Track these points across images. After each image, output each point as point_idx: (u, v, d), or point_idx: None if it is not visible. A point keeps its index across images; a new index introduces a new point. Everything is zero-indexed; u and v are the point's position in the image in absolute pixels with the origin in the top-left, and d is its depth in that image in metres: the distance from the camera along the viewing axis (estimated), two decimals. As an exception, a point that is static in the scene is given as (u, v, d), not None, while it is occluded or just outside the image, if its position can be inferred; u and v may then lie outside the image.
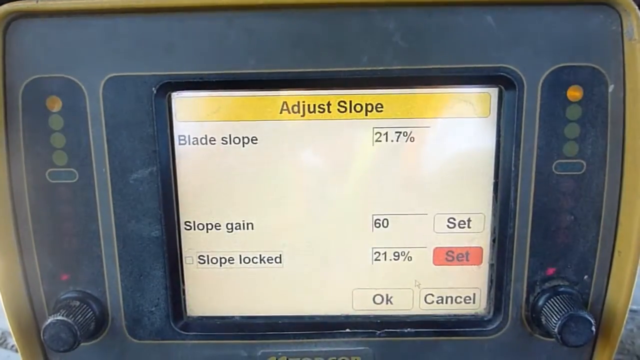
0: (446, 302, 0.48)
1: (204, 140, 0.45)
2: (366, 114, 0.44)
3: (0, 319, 0.47)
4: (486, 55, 0.42)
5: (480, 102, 0.44)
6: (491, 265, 0.47)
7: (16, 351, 0.49)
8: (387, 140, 0.45)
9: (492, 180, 0.45)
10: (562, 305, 0.44)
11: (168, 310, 0.47)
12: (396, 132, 0.45)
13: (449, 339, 0.48)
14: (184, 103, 0.44)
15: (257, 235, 0.47)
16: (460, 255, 0.47)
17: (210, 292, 0.48)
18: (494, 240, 0.46)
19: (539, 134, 0.43)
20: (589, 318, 0.42)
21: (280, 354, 0.48)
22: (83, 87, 0.43)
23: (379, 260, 0.47)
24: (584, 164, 0.44)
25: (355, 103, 0.44)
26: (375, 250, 0.47)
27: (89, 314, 0.45)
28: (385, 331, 0.48)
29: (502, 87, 0.43)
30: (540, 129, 0.43)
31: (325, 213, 0.46)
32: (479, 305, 0.48)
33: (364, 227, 0.47)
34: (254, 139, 0.45)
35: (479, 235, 0.47)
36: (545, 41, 0.42)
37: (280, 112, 0.44)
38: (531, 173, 0.44)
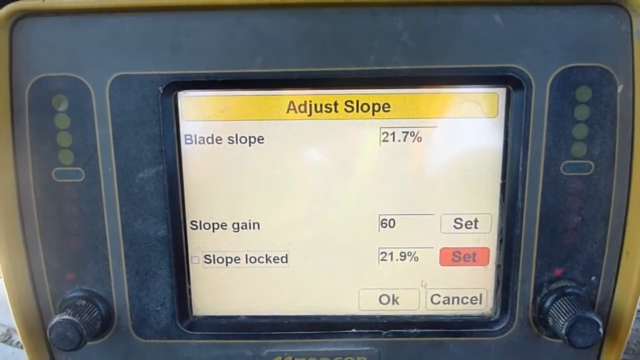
0: (453, 303, 0.48)
1: (210, 140, 0.45)
2: (373, 114, 0.44)
3: (6, 316, 0.47)
4: (494, 55, 0.42)
5: (488, 102, 0.44)
6: (498, 266, 0.47)
7: (21, 348, 0.50)
8: (394, 140, 0.45)
9: (499, 181, 0.45)
10: (569, 307, 0.43)
11: (174, 310, 0.47)
12: (403, 132, 0.45)
13: (456, 340, 0.47)
14: (190, 102, 0.44)
15: (263, 235, 0.47)
16: (467, 256, 0.47)
17: (216, 292, 0.48)
18: (501, 241, 0.46)
19: (547, 134, 0.43)
20: (597, 319, 0.42)
21: (286, 353, 0.48)
22: (89, 86, 0.43)
23: (385, 260, 0.47)
24: (592, 164, 0.43)
25: (362, 103, 0.44)
26: (381, 250, 0.47)
27: (95, 313, 0.45)
28: (392, 331, 0.48)
29: (510, 87, 0.43)
30: (548, 129, 0.43)
31: (331, 213, 0.46)
32: (486, 306, 0.48)
33: (371, 227, 0.46)
34: (260, 138, 0.45)
35: (486, 236, 0.47)
36: (553, 41, 0.42)
37: (287, 112, 0.44)
38: (539, 174, 0.44)
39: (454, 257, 0.47)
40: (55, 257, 0.46)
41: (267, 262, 0.47)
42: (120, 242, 0.45)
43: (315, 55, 0.42)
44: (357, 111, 0.44)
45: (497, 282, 0.47)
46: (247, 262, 0.47)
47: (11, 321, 0.47)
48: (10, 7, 0.41)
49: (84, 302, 0.45)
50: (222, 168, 0.45)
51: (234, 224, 0.47)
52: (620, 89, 0.42)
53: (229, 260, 0.47)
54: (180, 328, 0.47)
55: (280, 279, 0.48)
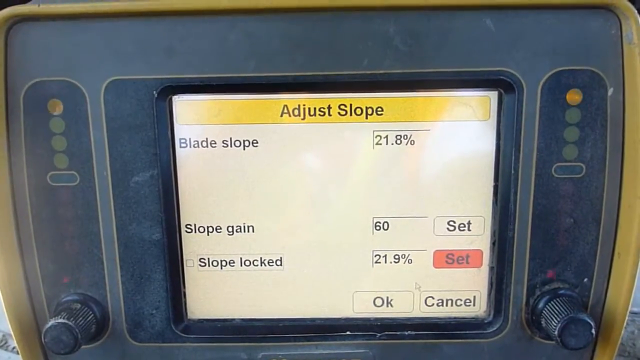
0: (446, 305, 0.48)
1: (204, 144, 0.45)
2: (366, 117, 0.45)
3: (2, 321, 0.47)
4: (486, 59, 0.42)
5: (480, 106, 0.44)
6: (491, 268, 0.47)
7: (17, 353, 0.50)
8: (387, 144, 0.45)
9: (492, 183, 0.45)
10: (562, 308, 0.44)
11: (169, 313, 0.47)
12: (396, 136, 0.45)
13: (449, 342, 0.48)
14: (185, 106, 0.44)
15: (258, 238, 0.47)
16: (461, 258, 0.47)
17: (210, 295, 0.48)
18: (494, 243, 0.46)
19: (538, 137, 0.43)
20: (589, 321, 0.42)
21: (280, 356, 0.48)
22: (84, 90, 0.43)
23: (380, 262, 0.47)
24: (584, 167, 0.44)
25: (356, 106, 0.44)
26: (375, 253, 0.47)
27: (90, 317, 0.45)
28: (386, 334, 0.48)
29: (502, 91, 0.43)
30: (539, 132, 0.43)
31: (325, 216, 0.47)
32: (479, 308, 0.48)
33: (365, 230, 0.47)
34: (254, 142, 0.45)
35: (479, 238, 0.47)
36: (544, 45, 0.42)
37: (281, 116, 0.44)
38: (531, 176, 0.44)
39: (448, 259, 0.47)
40: (50, 260, 0.46)
41: (261, 265, 0.47)
42: (115, 245, 0.46)
43: (308, 59, 0.42)
44: (351, 115, 0.45)
45: (491, 284, 0.47)
46: (241, 265, 0.48)
47: (7, 326, 0.47)
48: (5, 12, 0.42)
49: (78, 306, 0.45)
50: (217, 172, 0.46)
51: (228, 227, 0.47)
52: (610, 91, 0.42)
53: (224, 263, 0.48)
54: (175, 331, 0.47)
55: (275, 282, 0.48)
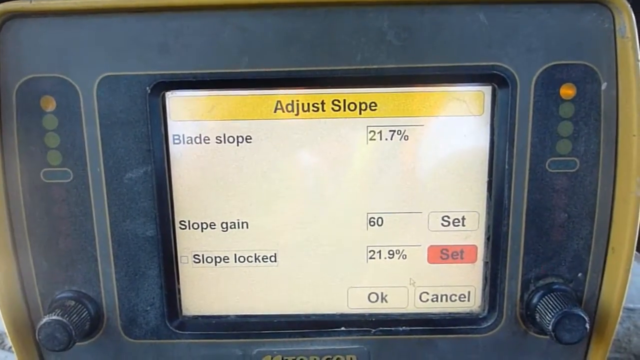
0: (441, 300, 0.48)
1: (198, 140, 0.45)
2: (360, 113, 0.44)
3: (-2, 320, 0.47)
4: (479, 54, 0.42)
5: (474, 101, 0.44)
6: (486, 263, 0.47)
7: (14, 352, 0.50)
8: (381, 139, 0.45)
9: (486, 179, 0.45)
10: (556, 303, 0.44)
11: (163, 310, 0.47)
12: (390, 131, 0.45)
13: (444, 337, 0.48)
14: (178, 102, 0.44)
15: (252, 234, 0.47)
16: (455, 254, 0.47)
17: (205, 291, 0.48)
18: (488, 238, 0.46)
19: (532, 131, 0.43)
20: (583, 315, 0.42)
21: (275, 352, 0.48)
22: (77, 87, 0.43)
23: (374, 258, 0.47)
24: (577, 161, 0.44)
25: (349, 102, 0.44)
26: (370, 249, 0.47)
27: (84, 314, 0.45)
28: (381, 329, 0.48)
29: (496, 85, 0.43)
30: (533, 126, 0.43)
31: (320, 212, 0.46)
32: (474, 303, 0.48)
33: (359, 226, 0.47)
34: (248, 138, 0.45)
35: (474, 233, 0.47)
36: (538, 39, 0.42)
37: (275, 111, 0.44)
38: (525, 171, 0.44)
39: (442, 254, 0.47)
40: (44, 258, 0.46)
41: (256, 261, 0.47)
42: (109, 242, 0.46)
43: (301, 55, 0.42)
44: (344, 110, 0.44)
45: (485, 279, 0.47)
46: (236, 261, 0.47)
47: (3, 325, 0.47)
48: (-3, 8, 0.42)
49: (73, 303, 0.45)
50: (211, 168, 0.46)
51: (222, 223, 0.47)
52: (603, 86, 0.42)
53: (218, 259, 0.47)
54: (169, 328, 0.47)
55: (269, 278, 0.48)
